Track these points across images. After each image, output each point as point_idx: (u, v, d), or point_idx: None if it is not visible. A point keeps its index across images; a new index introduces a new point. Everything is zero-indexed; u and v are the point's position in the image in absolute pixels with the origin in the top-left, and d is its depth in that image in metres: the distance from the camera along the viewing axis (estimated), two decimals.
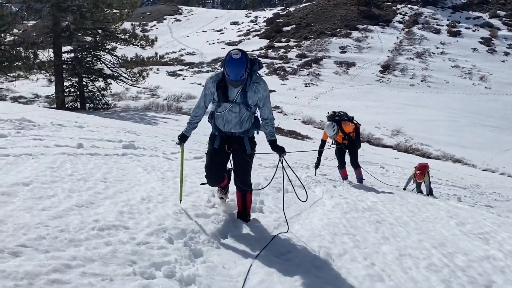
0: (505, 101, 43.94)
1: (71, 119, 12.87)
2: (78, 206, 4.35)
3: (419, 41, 61.36)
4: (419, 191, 13.06)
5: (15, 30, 29.59)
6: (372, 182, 11.22)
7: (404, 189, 13.13)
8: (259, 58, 4.48)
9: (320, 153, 10.15)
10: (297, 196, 5.36)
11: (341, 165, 10.18)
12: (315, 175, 9.91)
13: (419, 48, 59.24)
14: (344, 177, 10.17)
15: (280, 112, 37.27)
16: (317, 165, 10.08)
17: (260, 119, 4.72)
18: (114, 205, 4.58)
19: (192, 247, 3.93)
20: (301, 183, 5.47)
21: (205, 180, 5.01)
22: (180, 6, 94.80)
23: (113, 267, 3.25)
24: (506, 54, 57.42)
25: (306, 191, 5.19)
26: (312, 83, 48.65)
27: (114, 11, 29.54)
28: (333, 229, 4.99)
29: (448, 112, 40.62)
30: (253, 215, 5.15)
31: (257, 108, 4.60)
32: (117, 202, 4.66)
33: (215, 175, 4.80)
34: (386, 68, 53.42)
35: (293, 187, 5.50)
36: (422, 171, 12.80)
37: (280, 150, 4.67)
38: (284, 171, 4.82)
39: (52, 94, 31.22)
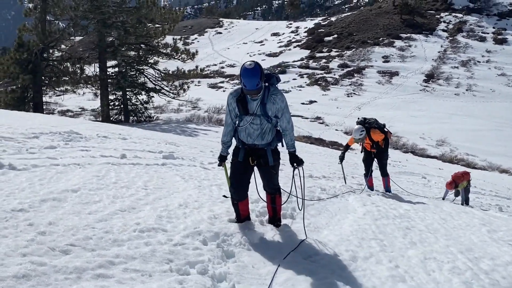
0: None
1: (115, 131, 13.45)
2: (121, 211, 4.73)
3: (464, 50, 60.03)
4: (457, 195, 12.86)
5: (63, 46, 30.97)
6: (405, 192, 11.21)
7: (443, 199, 12.99)
8: (275, 72, 4.61)
9: (344, 150, 10.27)
10: (297, 205, 5.54)
11: (367, 173, 10.08)
12: (345, 182, 9.94)
13: (463, 56, 57.96)
14: (370, 186, 10.06)
15: (322, 123, 37.26)
16: (341, 158, 9.96)
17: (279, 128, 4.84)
18: (153, 210, 4.95)
19: (225, 248, 4.21)
20: (302, 194, 5.28)
21: (227, 194, 5.18)
22: (221, 19, 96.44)
23: (152, 264, 3.57)
24: None
25: (302, 200, 5.24)
26: (354, 93, 48.39)
27: (157, 26, 30.49)
28: (362, 235, 5.16)
29: (494, 122, 39.54)
30: (284, 221, 5.39)
31: (277, 120, 4.72)
32: (156, 208, 5.02)
33: (239, 186, 4.87)
34: (430, 77, 52.53)
35: (297, 195, 5.44)
36: (453, 180, 12.56)
37: (297, 162, 4.81)
38: (297, 180, 4.96)
39: (98, 108, 32.41)
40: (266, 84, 4.56)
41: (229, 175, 4.95)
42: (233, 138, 4.90)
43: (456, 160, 30.35)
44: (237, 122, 4.76)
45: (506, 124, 38.92)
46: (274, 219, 5.12)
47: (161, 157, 8.79)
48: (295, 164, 4.82)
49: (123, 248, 3.77)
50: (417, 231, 5.72)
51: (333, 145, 29.27)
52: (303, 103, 43.63)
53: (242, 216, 5.03)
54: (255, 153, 4.77)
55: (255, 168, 4.98)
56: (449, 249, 5.02)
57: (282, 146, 4.91)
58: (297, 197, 5.42)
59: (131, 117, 31.57)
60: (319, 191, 7.66)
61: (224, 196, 5.58)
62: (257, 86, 4.30)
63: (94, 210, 4.63)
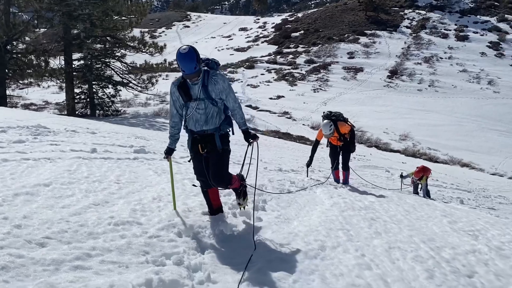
0: None
1: (83, 125, 13.33)
2: (94, 205, 4.79)
3: (427, 46, 61.44)
4: (416, 192, 13.21)
5: (27, 39, 30.24)
6: (369, 185, 11.51)
7: (401, 182, 13.45)
8: (216, 59, 4.55)
9: (312, 153, 9.95)
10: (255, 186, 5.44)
11: (335, 167, 10.07)
12: (306, 175, 9.94)
13: (426, 53, 59.31)
14: (337, 178, 10.09)
15: (289, 118, 37.60)
16: (308, 164, 9.94)
17: (229, 114, 4.85)
18: (127, 204, 5.02)
19: (199, 240, 4.33)
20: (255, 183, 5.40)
21: (197, 183, 5.20)
22: (188, 13, 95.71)
23: (129, 256, 3.66)
24: None
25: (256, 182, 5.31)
26: (320, 89, 48.95)
27: (123, 18, 30.08)
28: (329, 225, 5.37)
29: (456, 117, 40.70)
30: (256, 214, 5.52)
31: (223, 102, 4.72)
32: (130, 201, 5.09)
33: (201, 175, 4.87)
34: (394, 73, 53.58)
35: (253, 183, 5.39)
36: (421, 171, 12.90)
37: (252, 137, 4.81)
38: (255, 155, 4.86)
39: (63, 101, 31.79)
40: (206, 68, 4.59)
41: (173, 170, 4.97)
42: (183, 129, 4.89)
43: (418, 154, 31.16)
44: (183, 113, 4.74)
45: (466, 119, 40.12)
46: (238, 193, 5.24)
47: (132, 151, 8.80)
48: (250, 140, 4.82)
49: (99, 241, 3.85)
50: (382, 221, 5.98)
51: (301, 139, 29.63)
52: (271, 98, 43.91)
53: (215, 207, 5.07)
54: (204, 140, 4.72)
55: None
56: (412, 239, 5.28)
57: (233, 134, 4.91)
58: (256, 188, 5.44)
59: (97, 111, 31.11)
60: (289, 184, 7.86)
61: (194, 185, 5.59)
62: (195, 69, 4.31)
63: (67, 204, 4.67)
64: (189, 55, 4.25)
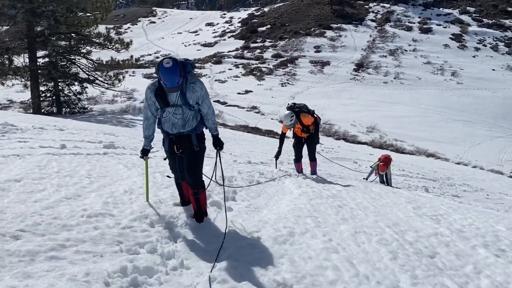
0: (476, 95, 45.01)
1: (50, 123, 13.17)
2: (67, 198, 4.84)
3: (392, 39, 62.48)
4: (382, 181, 13.39)
5: None
6: (338, 175, 11.77)
7: (366, 179, 13.50)
8: (190, 59, 4.45)
9: (280, 144, 9.89)
10: (216, 181, 5.55)
11: (298, 159, 10.01)
12: (275, 167, 9.94)
13: (391, 45, 60.32)
14: (299, 170, 10.00)
15: (258, 112, 37.75)
16: (277, 156, 9.93)
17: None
18: (99, 197, 5.08)
19: (171, 229, 4.44)
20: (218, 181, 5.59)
21: (171, 174, 5.24)
22: (154, 8, 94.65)
23: (102, 246, 3.75)
24: (477, 49, 58.80)
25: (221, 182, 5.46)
26: (288, 83, 49.27)
27: (88, 15, 29.64)
28: (298, 213, 5.55)
29: (421, 108, 41.58)
30: (227, 204, 5.65)
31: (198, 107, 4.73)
32: (102, 194, 5.16)
33: (176, 170, 4.95)
34: (360, 66, 54.35)
35: (215, 179, 5.48)
36: (386, 162, 13.10)
37: (219, 145, 4.93)
38: (219, 163, 5.08)
39: (28, 100, 31.15)
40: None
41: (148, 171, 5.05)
42: (157, 129, 4.88)
43: (385, 146, 31.73)
44: (158, 115, 4.70)
45: (431, 110, 41.06)
46: (200, 213, 4.95)
47: (101, 146, 8.80)
48: (218, 148, 4.94)
49: (73, 233, 3.92)
50: (349, 209, 6.20)
51: (269, 133, 29.83)
52: (239, 93, 43.98)
53: (186, 198, 5.12)
54: (181, 140, 4.74)
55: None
56: (378, 224, 5.51)
57: (206, 128, 4.97)
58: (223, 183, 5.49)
59: (64, 109, 30.61)
60: (258, 175, 8.02)
61: (168, 176, 5.59)
62: (177, 84, 4.29)
63: (39, 198, 4.71)
64: (173, 70, 4.21)
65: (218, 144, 4.93)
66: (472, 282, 3.91)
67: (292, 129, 9.66)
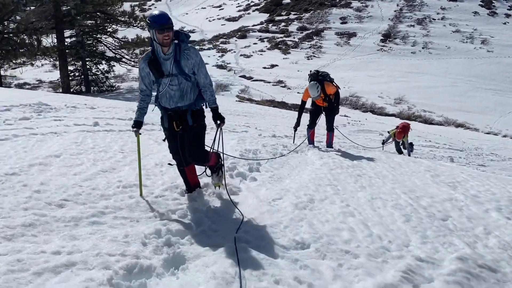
0: (507, 63, 43.91)
1: (80, 101, 13.68)
2: (103, 171, 5.27)
3: (419, 8, 61.12)
4: (398, 149, 13.50)
5: (17, 18, 30.18)
6: (360, 148, 11.92)
7: (383, 143, 13.68)
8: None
9: (299, 114, 9.74)
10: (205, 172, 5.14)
11: (311, 125, 9.78)
12: (293, 142, 9.80)
13: (419, 14, 59.07)
14: (311, 140, 9.82)
15: (284, 87, 37.83)
16: (295, 127, 9.71)
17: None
18: (132, 169, 5.49)
19: (200, 198, 4.79)
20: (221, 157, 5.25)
21: (173, 162, 5.04)
22: None
23: (138, 212, 4.14)
24: (507, 16, 57.14)
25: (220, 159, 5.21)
26: (314, 56, 49.00)
27: None
28: (319, 182, 5.85)
29: (450, 78, 40.90)
30: (251, 174, 6.01)
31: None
32: (135, 168, 5.55)
33: (177, 154, 4.76)
34: (387, 36, 53.51)
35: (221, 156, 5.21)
36: (403, 130, 13.12)
37: (220, 119, 4.64)
38: (220, 138, 4.84)
39: (57, 79, 31.95)
40: (176, 41, 4.35)
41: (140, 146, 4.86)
42: (159, 108, 4.73)
43: (413, 117, 31.51)
44: (153, 88, 4.58)
45: (460, 80, 40.36)
46: (211, 169, 5.01)
47: (132, 123, 9.20)
48: (218, 122, 4.65)
49: (110, 201, 4.32)
50: (367, 177, 6.46)
51: (296, 107, 29.90)
52: (264, 68, 44.03)
53: (192, 184, 4.97)
54: (179, 117, 4.58)
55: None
56: (394, 190, 5.76)
57: (207, 107, 4.74)
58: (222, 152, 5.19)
59: (92, 87, 31.35)
60: (281, 148, 8.31)
61: (169, 164, 5.37)
62: (169, 21, 4.16)
63: (78, 172, 5.15)
64: (162, 13, 4.18)
65: (219, 118, 4.63)
66: (480, 242, 4.16)
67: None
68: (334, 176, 6.26)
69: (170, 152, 4.89)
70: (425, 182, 6.55)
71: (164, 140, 4.95)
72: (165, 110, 4.64)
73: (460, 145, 20.39)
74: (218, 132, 4.80)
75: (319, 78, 9.31)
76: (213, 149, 4.92)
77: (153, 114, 4.89)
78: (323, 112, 9.67)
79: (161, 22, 4.12)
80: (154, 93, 4.67)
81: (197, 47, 50.70)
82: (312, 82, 9.23)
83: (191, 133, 4.57)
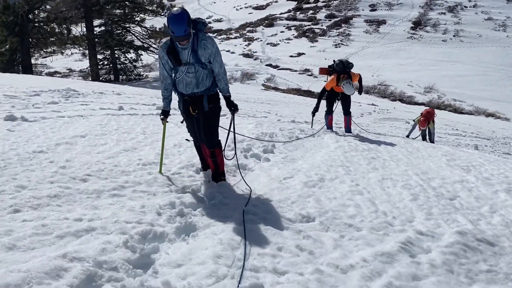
0: None
1: (108, 88, 14.14)
2: (125, 150, 5.58)
3: None
4: (423, 135, 13.35)
5: (48, 7, 30.96)
6: (383, 133, 11.94)
7: (408, 136, 13.32)
8: (202, 20, 4.26)
9: (319, 101, 10.01)
10: (224, 157, 5.07)
11: (330, 111, 9.99)
12: (311, 126, 9.97)
13: (450, 2, 57.90)
14: (330, 125, 10.03)
15: (310, 75, 37.76)
16: (314, 112, 10.01)
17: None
18: (152, 149, 5.80)
19: None
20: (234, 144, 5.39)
21: (190, 138, 5.19)
22: None
23: (155, 187, 4.40)
24: None
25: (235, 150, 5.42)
26: (342, 44, 48.67)
27: None
28: (331, 163, 6.03)
29: (481, 66, 40.14)
30: (265, 155, 6.24)
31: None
32: (155, 148, 5.87)
33: (194, 133, 4.96)
34: (417, 24, 52.70)
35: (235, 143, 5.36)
36: (427, 117, 12.95)
37: (233, 106, 4.80)
38: (233, 126, 4.92)
39: (87, 68, 32.70)
40: (194, 31, 4.43)
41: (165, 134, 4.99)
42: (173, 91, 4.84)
43: (443, 106, 31.11)
44: (172, 74, 4.70)
45: (492, 68, 39.56)
46: (217, 173, 4.93)
47: (155, 108, 9.60)
48: (232, 109, 4.81)
49: (130, 177, 4.60)
50: (381, 160, 6.60)
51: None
52: (291, 56, 44.00)
53: (207, 162, 5.05)
54: (195, 102, 4.69)
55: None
56: (406, 172, 5.90)
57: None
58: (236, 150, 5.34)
59: (120, 76, 31.99)
60: (298, 132, 8.50)
61: (187, 139, 5.49)
62: (185, 32, 4.20)
63: (102, 150, 5.46)
64: (180, 17, 4.16)
65: (232, 105, 4.81)
66: (484, 220, 4.27)
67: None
68: (347, 158, 6.43)
69: (188, 131, 5.12)
70: (440, 165, 6.65)
71: (182, 122, 5.16)
72: (181, 95, 4.78)
73: (489, 134, 20.13)
74: (232, 120, 4.91)
75: (347, 71, 9.44)
76: (229, 132, 5.02)
77: (176, 101, 5.09)
78: (339, 98, 9.82)
79: (177, 34, 4.22)
80: None
81: (223, 36, 51.05)
82: (347, 83, 9.20)
83: (207, 117, 4.71)
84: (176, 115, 8.84)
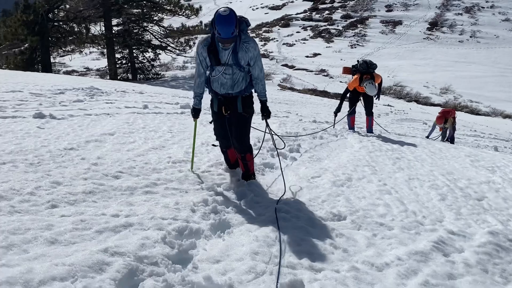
0: None
1: (129, 87, 14.30)
2: (154, 148, 5.66)
3: None
4: (443, 136, 13.26)
5: (67, 6, 31.32)
6: (404, 133, 11.92)
7: (428, 137, 13.15)
8: (246, 17, 4.24)
9: (342, 101, 10.02)
10: (274, 145, 5.16)
11: (352, 112, 10.03)
12: (333, 126, 9.80)
13: (467, 2, 57.49)
14: (352, 125, 10.09)
15: (326, 76, 37.77)
16: (336, 112, 9.89)
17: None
18: (180, 148, 5.87)
19: None
20: (273, 141, 5.20)
21: (216, 143, 5.12)
22: None
23: (187, 185, 4.47)
24: None
25: (283, 141, 5.75)
26: (358, 44, 48.60)
27: None
28: (357, 162, 6.07)
29: (498, 68, 39.83)
30: (291, 155, 6.29)
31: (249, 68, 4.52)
32: (183, 146, 5.96)
33: (222, 136, 4.85)
34: (434, 25, 52.44)
35: (273, 141, 5.16)
36: (443, 114, 12.83)
37: (266, 112, 4.68)
38: (269, 131, 4.85)
39: (105, 67, 33.02)
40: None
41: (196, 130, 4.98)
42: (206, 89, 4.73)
43: (460, 107, 30.92)
44: (208, 72, 4.57)
45: (509, 69, 39.22)
46: (247, 174, 4.90)
47: (178, 107, 9.72)
48: (265, 114, 4.69)
49: (162, 174, 4.67)
50: (406, 160, 6.61)
51: (338, 96, 29.89)
52: (307, 56, 44.03)
53: (232, 161, 5.12)
54: (229, 102, 4.60)
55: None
56: (432, 172, 5.91)
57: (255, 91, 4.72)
58: (273, 142, 5.19)
59: (138, 75, 32.24)
60: (321, 132, 8.54)
61: (213, 145, 5.49)
62: (232, 35, 4.04)
63: (131, 148, 5.55)
64: (229, 19, 3.96)
65: (266, 111, 4.68)
66: None
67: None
68: (372, 158, 6.45)
69: (215, 134, 4.97)
70: (464, 166, 6.65)
71: (210, 123, 5.03)
72: (215, 94, 4.66)
73: (507, 136, 19.98)
74: (266, 126, 4.83)
75: (370, 71, 9.48)
76: (265, 133, 4.99)
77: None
78: (361, 98, 9.87)
79: (224, 36, 4.04)
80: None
81: None
82: (369, 84, 9.26)
83: (239, 119, 4.61)
84: (200, 114, 8.97)
